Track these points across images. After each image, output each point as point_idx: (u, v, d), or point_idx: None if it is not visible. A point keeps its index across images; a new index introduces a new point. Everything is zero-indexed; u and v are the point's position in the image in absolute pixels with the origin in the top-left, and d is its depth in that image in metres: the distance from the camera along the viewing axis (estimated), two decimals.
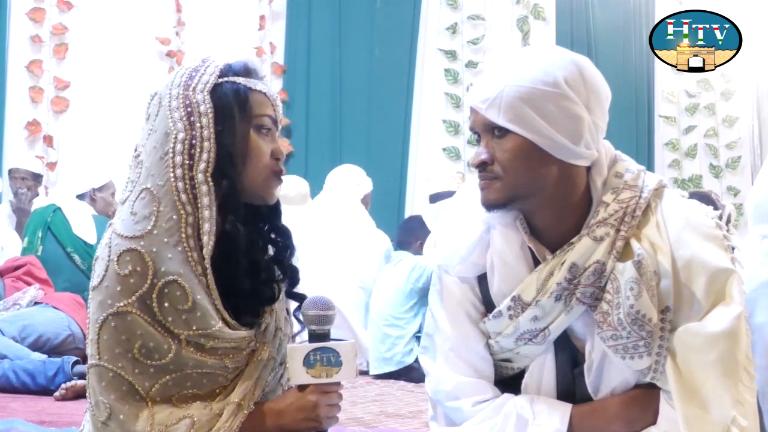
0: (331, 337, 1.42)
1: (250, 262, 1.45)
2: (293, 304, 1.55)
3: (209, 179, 1.35)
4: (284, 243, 1.54)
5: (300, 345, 1.40)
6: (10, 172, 5.55)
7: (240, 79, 1.42)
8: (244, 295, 1.43)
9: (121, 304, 1.33)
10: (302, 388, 1.40)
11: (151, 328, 1.34)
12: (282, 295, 1.53)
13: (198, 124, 1.36)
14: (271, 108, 1.44)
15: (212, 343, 1.37)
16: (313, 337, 1.40)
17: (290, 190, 4.92)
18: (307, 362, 1.37)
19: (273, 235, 1.53)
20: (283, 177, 1.48)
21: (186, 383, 1.38)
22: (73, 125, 6.36)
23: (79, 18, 6.43)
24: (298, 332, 1.56)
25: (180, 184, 1.35)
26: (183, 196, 1.35)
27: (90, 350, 1.38)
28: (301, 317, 1.46)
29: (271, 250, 1.54)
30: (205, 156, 1.35)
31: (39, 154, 6.20)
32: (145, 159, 1.38)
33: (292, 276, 1.54)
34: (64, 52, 6.38)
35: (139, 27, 6.48)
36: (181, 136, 1.35)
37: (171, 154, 1.35)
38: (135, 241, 1.34)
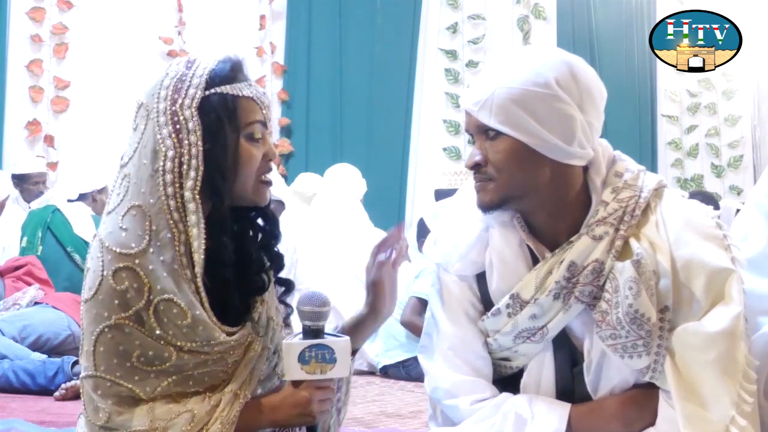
0: (326, 332, 1.43)
1: (241, 254, 1.45)
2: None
3: (196, 197, 1.34)
4: (270, 230, 1.52)
5: (295, 341, 1.40)
6: (22, 177, 5.53)
7: (226, 88, 1.38)
8: (236, 301, 1.43)
9: (118, 316, 1.32)
10: (296, 383, 1.40)
11: (149, 339, 1.34)
12: (272, 285, 1.53)
13: (186, 142, 1.34)
14: (260, 112, 1.40)
15: (216, 348, 1.37)
16: (308, 332, 1.40)
17: (307, 188, 4.96)
18: (302, 359, 1.37)
19: (261, 222, 1.52)
20: (272, 177, 1.46)
21: (188, 383, 1.38)
22: (73, 125, 6.37)
23: (79, 18, 6.44)
24: (289, 314, 1.57)
25: (172, 203, 1.33)
26: (175, 215, 1.34)
27: (84, 362, 1.37)
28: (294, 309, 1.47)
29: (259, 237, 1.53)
30: (192, 174, 1.34)
31: (39, 154, 6.21)
32: (132, 173, 1.36)
33: (277, 262, 1.53)
34: (64, 52, 6.38)
35: (139, 26, 6.49)
36: (170, 153, 1.34)
37: (161, 173, 1.33)
38: (129, 258, 1.32)
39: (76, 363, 3.46)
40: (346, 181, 4.84)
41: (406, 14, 7.06)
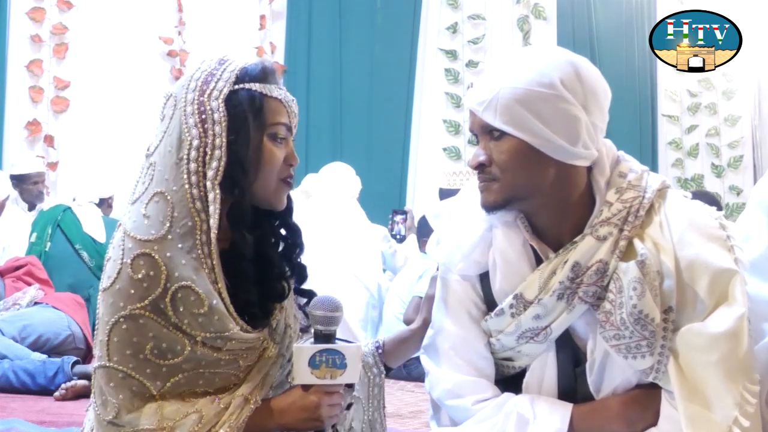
0: (337, 337, 1.43)
1: (262, 259, 1.46)
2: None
3: (216, 187, 1.35)
4: (293, 240, 1.54)
5: (306, 345, 1.40)
6: (21, 178, 5.53)
7: (256, 86, 1.40)
8: (254, 297, 1.43)
9: (134, 306, 1.32)
10: (306, 387, 1.40)
11: (164, 329, 1.33)
12: (291, 293, 1.53)
13: (211, 132, 1.35)
14: (286, 115, 1.43)
15: (228, 345, 1.37)
16: (319, 337, 1.40)
17: (312, 186, 4.95)
18: (313, 363, 1.37)
19: (283, 231, 1.53)
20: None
21: (198, 381, 1.38)
22: (74, 125, 6.37)
23: (79, 18, 6.43)
24: (307, 326, 1.56)
25: (195, 191, 1.34)
26: (198, 204, 1.35)
27: (98, 351, 1.37)
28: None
29: (280, 246, 1.54)
30: (214, 164, 1.35)
31: (39, 154, 6.21)
32: (158, 161, 1.37)
33: (300, 273, 1.55)
34: (64, 52, 6.38)
35: (139, 26, 6.49)
36: (195, 143, 1.35)
37: (186, 161, 1.35)
38: (149, 245, 1.32)
39: (76, 363, 3.46)
40: (340, 179, 4.83)
41: (406, 14, 7.06)
